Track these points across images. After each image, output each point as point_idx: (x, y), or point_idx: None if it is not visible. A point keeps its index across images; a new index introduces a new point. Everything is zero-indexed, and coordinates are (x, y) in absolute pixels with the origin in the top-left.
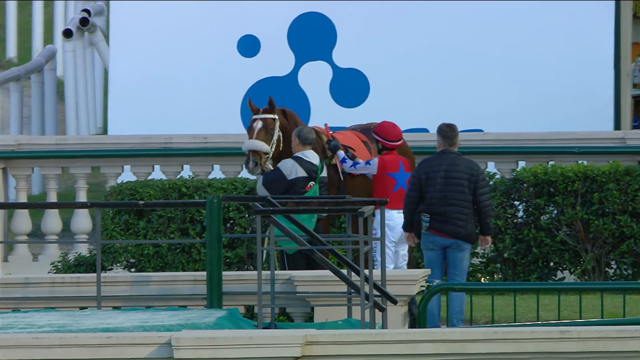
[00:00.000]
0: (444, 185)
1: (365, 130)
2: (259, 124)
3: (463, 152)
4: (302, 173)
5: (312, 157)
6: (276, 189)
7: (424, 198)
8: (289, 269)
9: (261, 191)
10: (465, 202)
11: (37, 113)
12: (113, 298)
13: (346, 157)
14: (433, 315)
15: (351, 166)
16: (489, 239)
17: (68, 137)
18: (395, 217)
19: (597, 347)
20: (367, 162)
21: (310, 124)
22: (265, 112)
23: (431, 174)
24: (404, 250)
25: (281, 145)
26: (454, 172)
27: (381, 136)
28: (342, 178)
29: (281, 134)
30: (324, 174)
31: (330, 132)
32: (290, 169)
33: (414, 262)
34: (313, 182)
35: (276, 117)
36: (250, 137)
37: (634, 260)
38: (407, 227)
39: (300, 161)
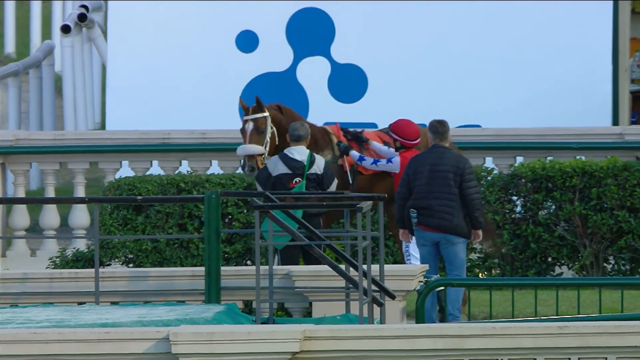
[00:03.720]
0: (428, 178)
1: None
2: (250, 126)
3: (461, 148)
4: (283, 170)
5: (299, 153)
6: (264, 184)
7: (412, 193)
8: (283, 264)
9: (258, 187)
10: (450, 195)
11: (35, 108)
12: (111, 293)
13: (363, 156)
14: (429, 311)
15: (372, 163)
16: (480, 232)
17: (66, 132)
18: None
19: (596, 342)
20: (389, 160)
21: (309, 120)
22: (254, 111)
23: (418, 169)
24: None
25: (277, 140)
26: (439, 166)
27: (400, 135)
28: (350, 180)
29: (275, 130)
30: (316, 169)
31: (359, 130)
32: (273, 165)
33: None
34: (299, 179)
35: (266, 114)
36: (244, 141)
37: (632, 255)
38: (399, 223)
39: (284, 158)
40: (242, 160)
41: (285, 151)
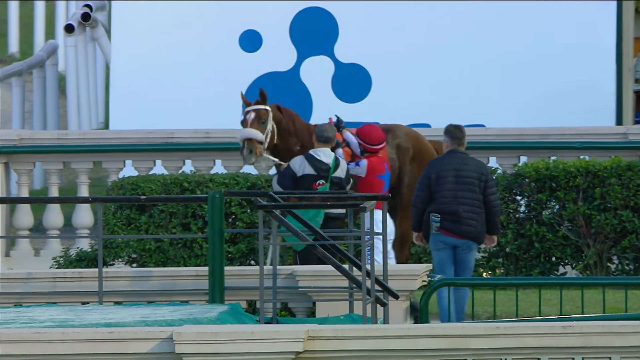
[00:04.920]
0: (455, 184)
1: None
2: (251, 115)
3: (466, 148)
4: (309, 170)
5: (325, 155)
6: (287, 185)
7: (434, 198)
8: (301, 265)
9: (275, 188)
10: (476, 202)
11: (39, 108)
12: (115, 293)
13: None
14: (444, 310)
15: None
16: (495, 238)
17: (70, 131)
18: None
19: (599, 342)
20: (356, 164)
21: (313, 119)
22: (256, 104)
23: (441, 173)
24: (391, 252)
25: (275, 138)
26: (464, 172)
27: (362, 140)
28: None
29: (275, 126)
30: (339, 173)
31: (346, 129)
32: (299, 165)
33: (415, 257)
34: (323, 181)
35: (268, 108)
36: (244, 127)
37: (635, 255)
38: (416, 227)
39: (310, 158)
40: (241, 145)
41: (311, 152)
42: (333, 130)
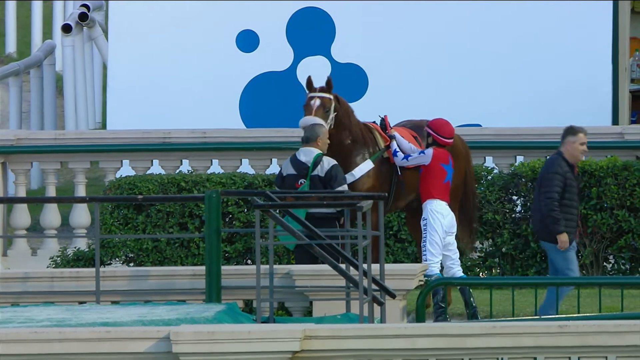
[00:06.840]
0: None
1: (416, 127)
2: (317, 102)
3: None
4: (291, 170)
5: (305, 154)
6: (278, 183)
7: None
8: (297, 263)
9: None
10: (536, 200)
11: (36, 108)
12: (112, 292)
13: (398, 150)
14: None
15: (403, 159)
16: (560, 237)
17: (67, 131)
18: (444, 207)
19: (596, 342)
20: (422, 152)
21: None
22: (322, 90)
23: None
24: (453, 244)
25: (331, 128)
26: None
27: (435, 131)
28: (399, 172)
29: (334, 117)
30: (318, 171)
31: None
32: (285, 165)
33: (412, 256)
34: (303, 180)
35: (332, 97)
36: (308, 114)
37: (631, 255)
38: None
39: (293, 158)
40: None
41: (296, 152)
42: (313, 130)
